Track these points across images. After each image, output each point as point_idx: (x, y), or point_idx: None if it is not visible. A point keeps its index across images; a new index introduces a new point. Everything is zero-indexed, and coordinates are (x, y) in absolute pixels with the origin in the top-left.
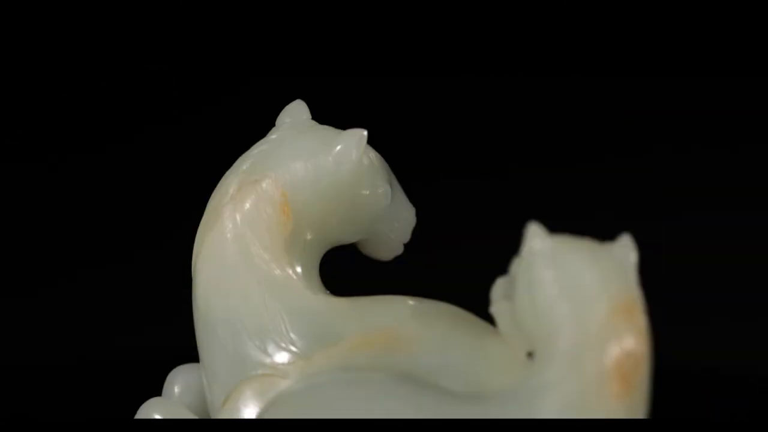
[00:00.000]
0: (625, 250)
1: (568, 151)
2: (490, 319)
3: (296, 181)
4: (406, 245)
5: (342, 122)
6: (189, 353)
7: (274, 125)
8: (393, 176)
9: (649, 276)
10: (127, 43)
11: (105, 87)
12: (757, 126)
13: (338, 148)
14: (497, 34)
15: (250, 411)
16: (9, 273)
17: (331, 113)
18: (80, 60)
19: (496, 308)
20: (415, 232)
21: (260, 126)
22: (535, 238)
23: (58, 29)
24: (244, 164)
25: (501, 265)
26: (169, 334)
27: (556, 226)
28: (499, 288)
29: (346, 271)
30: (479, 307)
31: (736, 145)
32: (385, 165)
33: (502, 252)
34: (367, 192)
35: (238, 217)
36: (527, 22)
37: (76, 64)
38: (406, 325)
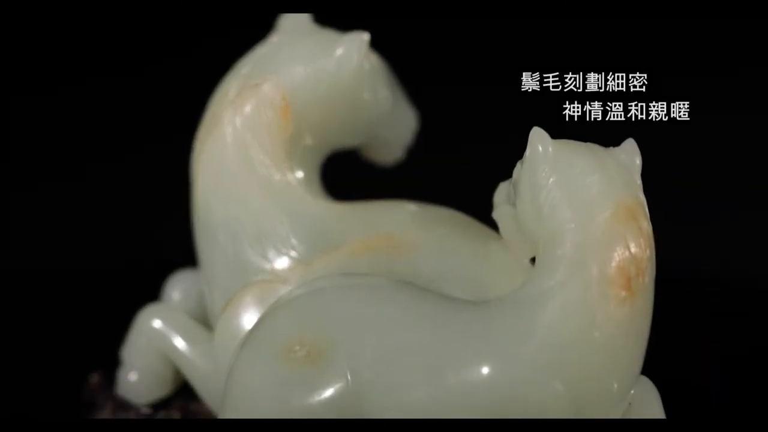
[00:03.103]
0: (629, 155)
1: (573, 57)
2: (492, 225)
3: (297, 85)
4: (407, 150)
5: (343, 27)
6: (187, 258)
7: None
8: (394, 80)
9: (654, 180)
10: None
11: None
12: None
13: (339, 51)
14: None
15: (250, 317)
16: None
17: (331, 18)
18: None
19: (499, 213)
20: (417, 137)
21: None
22: (539, 141)
23: None
24: (244, 68)
25: (504, 170)
26: (167, 239)
27: (559, 130)
28: (501, 192)
29: (346, 176)
30: (481, 212)
31: (745, 55)
32: (387, 69)
33: (505, 156)
34: (368, 96)
35: (238, 121)
36: None
37: None
38: (407, 231)
